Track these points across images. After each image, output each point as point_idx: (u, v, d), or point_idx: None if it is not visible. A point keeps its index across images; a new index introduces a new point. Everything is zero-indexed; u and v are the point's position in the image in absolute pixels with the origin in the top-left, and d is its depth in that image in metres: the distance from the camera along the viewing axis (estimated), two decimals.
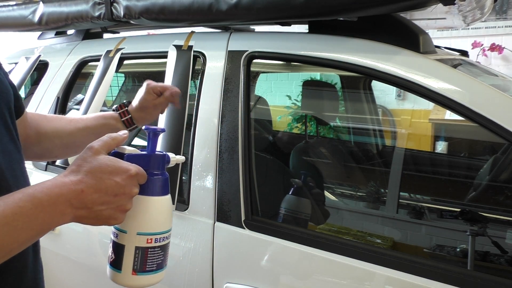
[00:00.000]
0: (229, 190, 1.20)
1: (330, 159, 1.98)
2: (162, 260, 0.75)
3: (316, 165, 1.94)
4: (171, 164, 0.79)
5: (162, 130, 0.76)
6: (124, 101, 1.12)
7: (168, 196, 0.76)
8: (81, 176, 0.61)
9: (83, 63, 1.67)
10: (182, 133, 1.28)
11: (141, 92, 1.10)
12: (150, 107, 1.09)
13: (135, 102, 1.11)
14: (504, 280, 0.92)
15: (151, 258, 0.73)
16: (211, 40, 1.39)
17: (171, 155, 0.79)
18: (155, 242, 0.73)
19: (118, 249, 0.73)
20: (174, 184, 1.25)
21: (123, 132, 0.71)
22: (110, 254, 0.75)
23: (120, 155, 0.71)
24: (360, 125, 2.41)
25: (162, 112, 1.14)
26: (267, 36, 1.36)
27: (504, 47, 3.76)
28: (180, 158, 0.83)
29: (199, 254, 1.21)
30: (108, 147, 0.67)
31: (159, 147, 1.30)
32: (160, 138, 1.30)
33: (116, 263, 0.73)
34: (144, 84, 1.10)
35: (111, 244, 0.75)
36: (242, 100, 1.24)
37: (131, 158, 0.71)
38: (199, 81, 1.33)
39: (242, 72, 1.26)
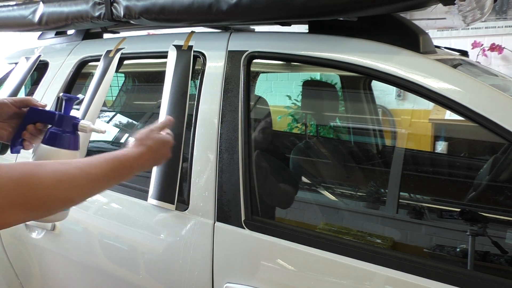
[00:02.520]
0: (229, 190, 1.20)
1: (330, 159, 1.98)
2: None
3: (316, 165, 1.94)
4: (82, 131, 0.96)
5: (76, 98, 0.97)
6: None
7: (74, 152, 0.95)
8: (144, 149, 0.92)
9: (83, 63, 1.67)
10: (182, 133, 1.28)
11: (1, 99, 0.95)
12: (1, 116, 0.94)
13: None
14: (504, 280, 0.92)
15: None
16: (211, 40, 1.39)
17: (86, 122, 0.97)
18: None
19: None
20: (174, 184, 1.25)
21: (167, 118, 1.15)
22: None
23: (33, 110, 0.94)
24: (360, 125, 2.41)
25: (14, 139, 0.95)
26: (267, 36, 1.36)
27: (504, 47, 3.76)
28: (97, 128, 1.01)
29: (199, 254, 1.21)
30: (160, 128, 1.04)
31: None
32: None
33: None
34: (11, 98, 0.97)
35: None
36: (242, 100, 1.24)
37: (34, 111, 0.93)
38: (199, 81, 1.33)
39: (242, 72, 1.26)
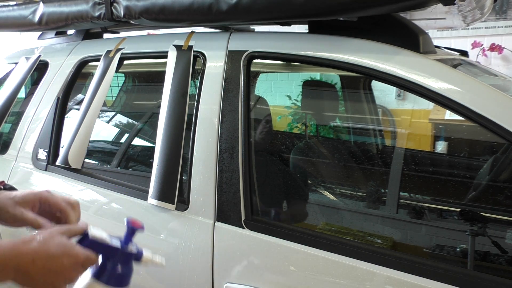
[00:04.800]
0: (229, 190, 1.20)
1: (330, 159, 1.98)
2: None
3: (316, 165, 1.94)
4: (144, 262, 0.77)
5: (141, 228, 0.75)
6: (8, 186, 0.91)
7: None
8: (35, 249, 0.67)
9: (83, 63, 1.67)
10: (182, 133, 1.28)
11: (29, 193, 0.85)
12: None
13: (18, 197, 0.83)
14: (504, 280, 0.92)
15: None
16: (211, 40, 1.39)
17: (147, 253, 0.77)
18: None
19: None
20: (174, 184, 1.25)
21: (84, 224, 0.76)
22: None
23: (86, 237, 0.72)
24: (360, 125, 2.41)
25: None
26: (267, 36, 1.36)
27: (504, 47, 3.75)
28: (159, 260, 0.79)
29: (199, 254, 1.21)
30: (69, 233, 0.73)
31: (159, 144, 1.30)
32: (160, 138, 1.30)
33: None
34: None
35: None
36: (242, 100, 1.24)
37: (93, 244, 0.72)
38: (199, 81, 1.33)
39: (242, 72, 1.26)
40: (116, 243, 0.73)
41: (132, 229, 0.74)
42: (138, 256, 0.75)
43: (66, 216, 0.81)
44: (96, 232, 0.73)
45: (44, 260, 0.67)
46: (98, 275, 0.72)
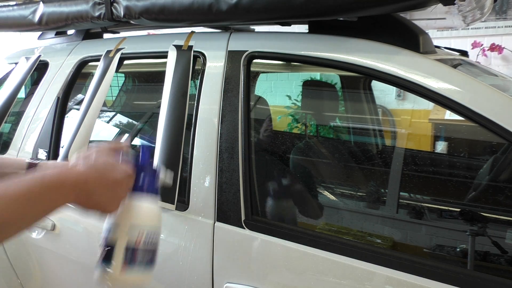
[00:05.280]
0: (229, 190, 1.20)
1: (330, 159, 1.98)
2: (150, 258, 0.78)
3: (316, 165, 1.94)
4: (159, 180, 0.84)
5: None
6: (38, 159, 0.98)
7: (158, 200, 0.81)
8: (87, 168, 0.71)
9: (83, 63, 1.67)
10: (182, 133, 1.27)
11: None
12: None
13: (47, 165, 0.94)
14: (504, 280, 0.92)
15: (141, 255, 0.76)
16: (211, 40, 1.39)
17: (163, 170, 0.86)
18: (144, 239, 0.77)
19: (110, 245, 0.76)
20: (174, 184, 1.25)
21: (124, 140, 0.80)
22: (101, 252, 0.77)
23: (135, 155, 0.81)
24: (360, 125, 2.41)
25: None
26: (267, 36, 1.36)
27: (504, 47, 3.76)
28: (167, 180, 0.89)
29: (199, 254, 1.21)
30: (113, 150, 0.78)
31: (159, 144, 1.30)
32: (160, 138, 1.30)
33: (106, 260, 0.76)
34: None
35: (102, 243, 0.78)
36: (242, 100, 1.24)
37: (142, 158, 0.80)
38: (199, 81, 1.33)
39: (242, 72, 1.26)
40: (143, 160, 0.81)
41: (148, 147, 0.85)
42: (158, 172, 0.83)
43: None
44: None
45: (96, 179, 0.71)
46: (136, 189, 0.79)
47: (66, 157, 1.51)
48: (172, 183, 1.26)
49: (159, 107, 1.35)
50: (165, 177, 0.86)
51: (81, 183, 0.70)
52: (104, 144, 0.78)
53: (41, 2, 1.63)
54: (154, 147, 0.86)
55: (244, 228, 1.17)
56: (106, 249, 0.76)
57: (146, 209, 0.79)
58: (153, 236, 0.78)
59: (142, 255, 0.76)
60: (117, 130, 2.40)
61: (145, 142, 0.84)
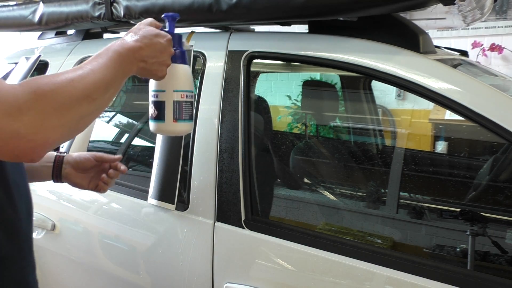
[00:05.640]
0: (229, 190, 1.20)
1: (330, 159, 1.98)
2: (191, 112, 1.00)
3: (316, 164, 1.94)
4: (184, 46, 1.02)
5: (177, 15, 1.02)
6: (64, 152, 1.10)
7: (187, 63, 1.01)
8: (139, 37, 0.86)
9: None
10: None
11: (84, 154, 1.11)
12: (82, 169, 1.08)
13: (72, 157, 1.09)
14: (504, 280, 0.92)
15: (185, 109, 0.98)
16: (211, 40, 1.39)
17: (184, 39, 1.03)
18: (186, 98, 0.98)
19: (159, 105, 0.97)
20: (174, 184, 1.25)
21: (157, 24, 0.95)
22: (152, 111, 0.98)
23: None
24: (360, 125, 2.41)
25: (90, 187, 1.09)
26: (267, 36, 1.36)
27: (504, 47, 3.75)
28: (188, 45, 1.08)
29: (199, 254, 1.21)
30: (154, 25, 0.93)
31: (159, 144, 1.30)
32: (160, 138, 1.30)
33: (159, 116, 0.97)
34: (91, 153, 1.11)
35: (152, 105, 0.98)
36: (242, 100, 1.24)
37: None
38: (199, 81, 1.33)
39: (242, 72, 1.26)
40: (171, 30, 0.99)
41: (173, 17, 1.00)
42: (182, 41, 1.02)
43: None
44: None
45: (148, 46, 0.86)
46: (173, 57, 0.95)
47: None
48: (172, 183, 1.26)
49: None
50: (187, 43, 1.04)
51: (139, 50, 0.84)
52: (145, 20, 0.93)
53: (41, 2, 1.63)
54: (177, 15, 1.01)
55: (244, 228, 1.17)
56: (157, 106, 0.97)
57: (184, 73, 0.98)
58: (190, 95, 0.99)
59: (185, 109, 0.97)
60: (117, 130, 2.40)
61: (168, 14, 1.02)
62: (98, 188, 1.09)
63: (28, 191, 0.91)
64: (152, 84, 0.98)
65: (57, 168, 1.07)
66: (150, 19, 0.95)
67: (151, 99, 0.99)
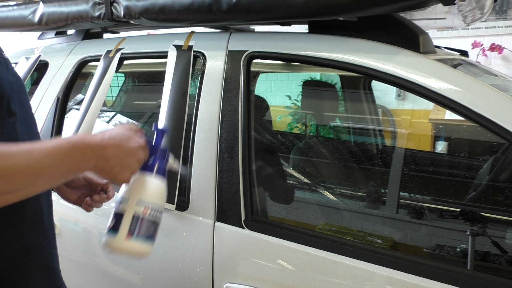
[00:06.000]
0: (229, 190, 1.20)
1: (330, 159, 1.98)
2: (153, 232, 0.86)
3: (316, 165, 1.94)
4: (168, 165, 0.92)
5: (167, 130, 0.94)
6: None
7: (164, 180, 0.89)
8: (107, 136, 0.80)
9: (83, 63, 1.67)
10: (182, 133, 1.28)
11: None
12: (72, 186, 1.05)
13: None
14: (504, 280, 0.92)
15: (146, 226, 0.84)
16: (211, 40, 1.39)
17: (171, 157, 0.93)
18: (150, 214, 0.85)
19: (117, 216, 0.85)
20: (174, 184, 1.25)
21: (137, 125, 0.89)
22: (109, 223, 0.85)
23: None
24: (360, 125, 2.41)
25: (77, 203, 1.06)
26: (267, 36, 1.36)
27: (504, 47, 3.75)
28: (175, 165, 0.95)
29: (199, 254, 1.21)
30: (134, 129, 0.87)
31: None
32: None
33: (114, 228, 0.84)
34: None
35: (111, 217, 0.86)
36: (242, 100, 1.24)
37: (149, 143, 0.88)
38: (199, 81, 1.33)
39: (242, 72, 1.26)
40: (156, 142, 0.90)
41: (162, 131, 0.91)
42: (167, 156, 0.91)
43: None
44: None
45: (114, 146, 0.79)
46: (147, 168, 0.87)
47: None
48: (172, 183, 1.26)
49: (159, 107, 1.35)
50: (173, 162, 0.93)
51: (100, 148, 0.77)
52: (122, 123, 0.84)
53: (41, 2, 1.63)
54: (167, 130, 0.94)
55: (244, 228, 1.17)
56: (115, 218, 0.84)
57: (155, 186, 0.87)
58: (157, 212, 0.86)
59: (145, 227, 0.83)
60: None
61: (159, 125, 1.01)
62: (83, 207, 1.05)
63: None
64: (119, 193, 0.88)
65: None
66: (131, 126, 0.88)
67: (112, 210, 0.88)
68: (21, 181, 0.69)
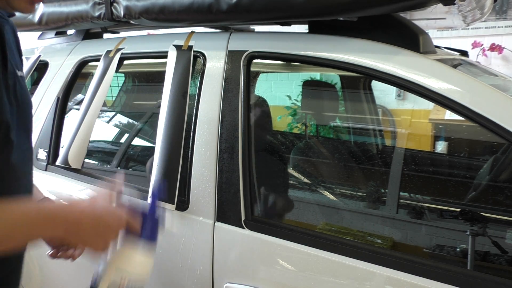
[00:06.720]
0: (229, 190, 1.20)
1: (330, 159, 1.98)
2: None
3: (316, 165, 1.94)
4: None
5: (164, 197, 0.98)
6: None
7: (154, 248, 0.88)
8: (85, 210, 0.80)
9: (83, 63, 1.67)
10: (182, 133, 1.28)
11: None
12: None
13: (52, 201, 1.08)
14: (504, 280, 0.92)
15: None
16: (211, 40, 1.39)
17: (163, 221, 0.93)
18: (127, 285, 0.84)
19: (96, 280, 0.86)
20: (174, 184, 1.25)
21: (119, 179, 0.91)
22: (91, 282, 0.87)
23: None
24: (360, 125, 2.41)
25: (53, 255, 1.02)
26: (267, 36, 1.36)
27: (504, 47, 3.76)
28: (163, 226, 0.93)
29: (199, 254, 1.21)
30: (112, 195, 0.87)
31: (159, 144, 1.30)
32: (160, 138, 1.30)
33: None
34: None
35: (93, 276, 0.87)
36: (242, 100, 1.24)
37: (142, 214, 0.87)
38: (199, 81, 1.33)
39: (242, 72, 1.26)
40: (148, 210, 0.89)
41: (158, 197, 0.90)
42: (161, 222, 0.90)
43: None
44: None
45: (90, 219, 0.79)
46: (136, 235, 0.86)
47: (66, 157, 1.51)
48: (172, 183, 1.26)
49: (159, 107, 1.35)
50: (163, 225, 0.92)
51: (73, 221, 0.77)
52: (104, 190, 0.87)
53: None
54: (162, 195, 0.94)
55: (244, 228, 1.17)
56: (95, 279, 0.86)
57: (137, 257, 0.86)
58: (136, 284, 0.85)
59: None
60: (117, 130, 2.40)
61: (155, 191, 0.97)
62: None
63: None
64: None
65: None
66: (109, 192, 0.87)
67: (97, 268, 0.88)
68: None
